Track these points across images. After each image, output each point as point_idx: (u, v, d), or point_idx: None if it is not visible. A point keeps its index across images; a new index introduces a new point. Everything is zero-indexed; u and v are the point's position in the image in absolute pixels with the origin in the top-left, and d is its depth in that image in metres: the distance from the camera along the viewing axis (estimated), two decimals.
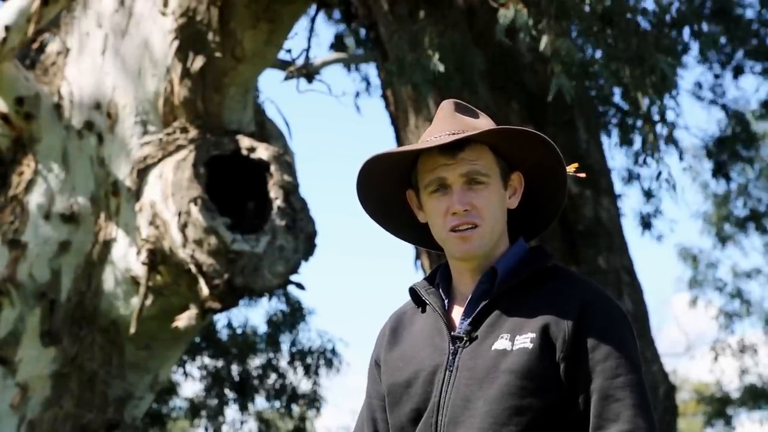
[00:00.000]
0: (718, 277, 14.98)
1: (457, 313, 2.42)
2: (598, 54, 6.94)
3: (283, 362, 12.42)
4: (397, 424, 2.41)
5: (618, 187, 11.49)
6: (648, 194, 10.81)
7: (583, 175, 2.53)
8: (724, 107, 10.44)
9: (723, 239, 14.45)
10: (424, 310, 2.47)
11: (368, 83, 11.06)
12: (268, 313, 12.49)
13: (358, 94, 10.84)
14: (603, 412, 2.25)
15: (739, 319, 15.12)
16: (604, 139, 10.52)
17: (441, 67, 6.18)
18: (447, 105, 2.46)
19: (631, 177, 11.02)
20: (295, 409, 12.55)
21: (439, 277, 2.48)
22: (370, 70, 11.25)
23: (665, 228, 13.54)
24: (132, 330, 6.19)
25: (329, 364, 12.38)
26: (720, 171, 10.45)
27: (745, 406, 15.08)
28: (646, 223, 10.80)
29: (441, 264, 2.50)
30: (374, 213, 2.53)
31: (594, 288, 2.39)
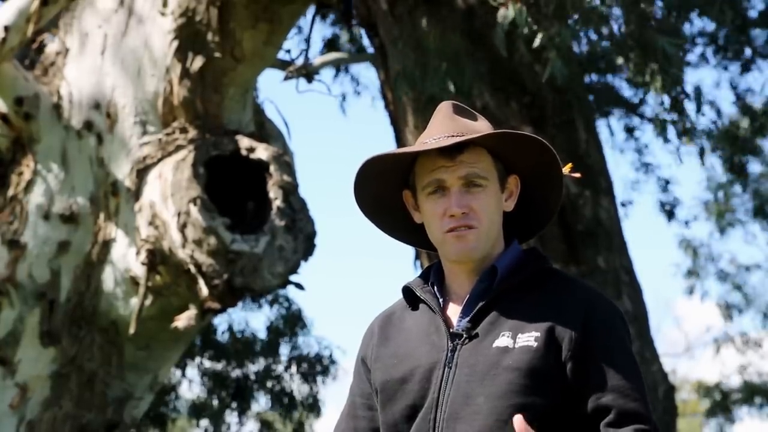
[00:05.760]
0: (720, 268, 14.94)
1: (452, 311, 2.42)
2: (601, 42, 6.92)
3: (280, 367, 12.40)
4: (390, 421, 2.39)
5: (621, 189, 11.52)
6: (666, 183, 10.84)
7: (578, 174, 2.55)
8: (738, 98, 10.36)
9: (723, 229, 14.39)
10: (415, 309, 2.47)
11: (357, 83, 11.10)
12: (269, 318, 12.49)
13: (344, 97, 10.82)
14: (611, 409, 2.27)
15: (738, 313, 15.09)
16: (606, 138, 10.53)
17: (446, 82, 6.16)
18: (445, 106, 2.47)
19: (647, 170, 11.01)
20: (295, 413, 12.51)
21: (433, 276, 2.48)
22: (361, 70, 11.30)
23: (688, 215, 13.51)
24: (131, 330, 6.18)
25: (326, 371, 12.37)
26: (733, 166, 10.42)
27: (746, 403, 15.08)
28: (669, 212, 10.85)
29: (434, 263, 2.50)
30: (370, 213, 2.53)
31: (593, 289, 2.43)
